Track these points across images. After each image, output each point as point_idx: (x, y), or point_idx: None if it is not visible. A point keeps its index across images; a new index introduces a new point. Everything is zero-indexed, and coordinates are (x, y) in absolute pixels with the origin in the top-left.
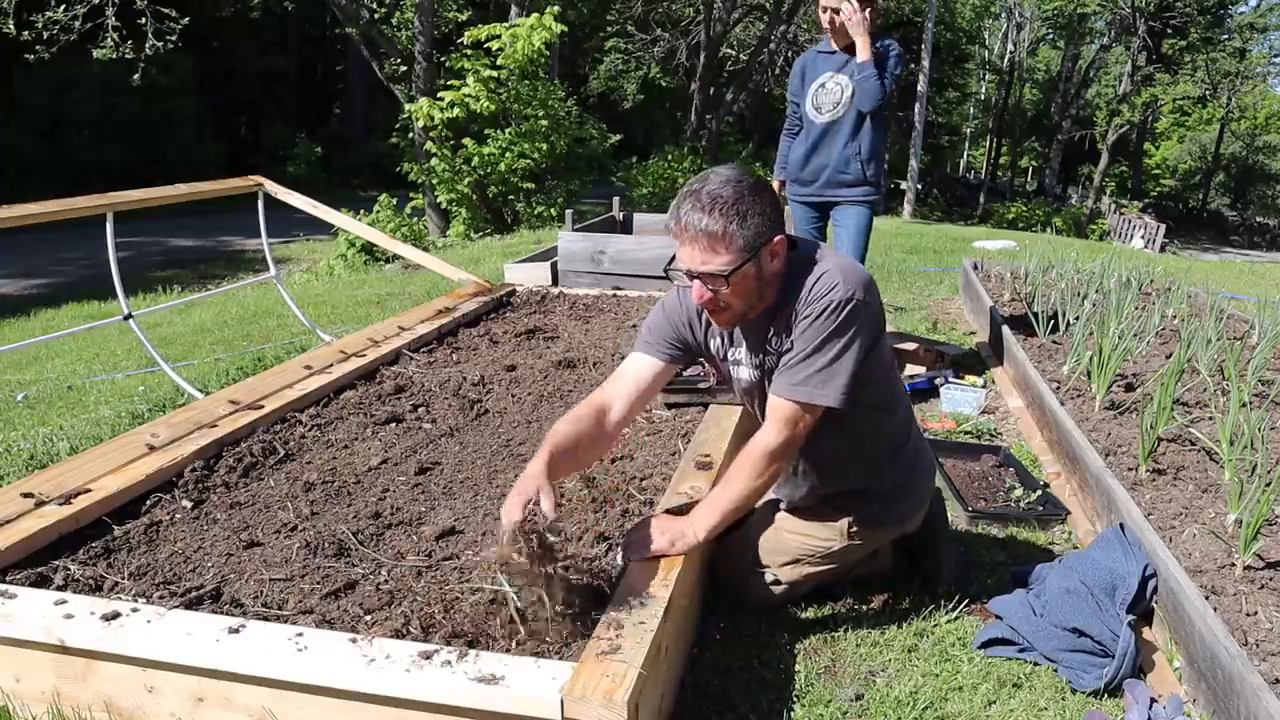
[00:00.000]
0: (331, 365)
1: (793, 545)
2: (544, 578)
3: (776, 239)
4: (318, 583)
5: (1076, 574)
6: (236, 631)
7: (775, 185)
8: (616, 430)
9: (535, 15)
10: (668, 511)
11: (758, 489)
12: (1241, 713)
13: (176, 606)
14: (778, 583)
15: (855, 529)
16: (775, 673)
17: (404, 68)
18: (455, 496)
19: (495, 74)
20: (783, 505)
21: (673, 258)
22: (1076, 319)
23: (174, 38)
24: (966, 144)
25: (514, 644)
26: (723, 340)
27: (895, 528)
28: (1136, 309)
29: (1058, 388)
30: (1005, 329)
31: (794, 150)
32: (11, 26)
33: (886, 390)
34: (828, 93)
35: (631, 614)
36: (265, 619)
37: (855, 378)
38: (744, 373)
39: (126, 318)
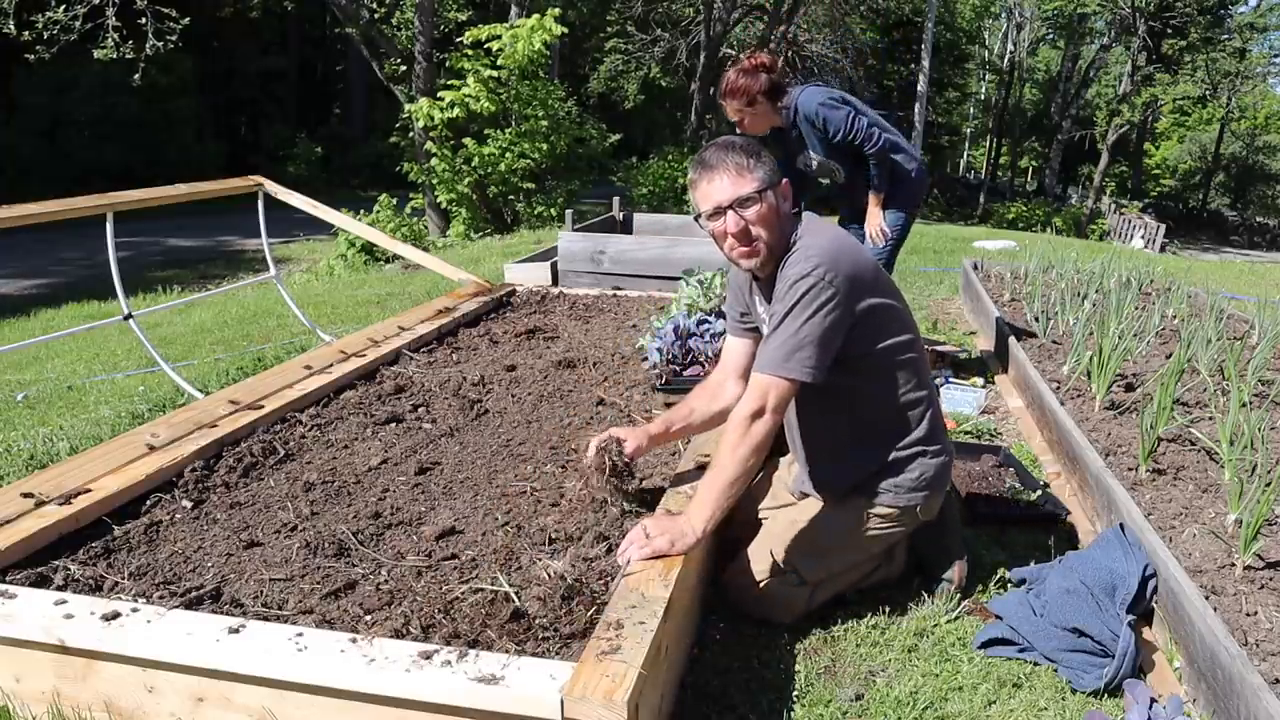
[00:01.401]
0: (331, 365)
1: (810, 536)
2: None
3: (784, 181)
4: (318, 583)
5: (1076, 574)
6: (236, 631)
7: None
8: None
9: (535, 16)
10: (666, 512)
11: (743, 466)
12: (1241, 713)
13: (176, 606)
14: (803, 584)
15: (868, 507)
16: (775, 673)
17: (404, 68)
18: (455, 496)
19: (495, 74)
20: (794, 496)
21: (698, 215)
22: (1076, 319)
23: (174, 38)
24: (966, 144)
25: (513, 644)
26: (759, 297)
27: (908, 514)
28: (1136, 309)
29: (1058, 388)
30: (1005, 329)
31: (839, 207)
32: (12, 26)
33: (888, 370)
34: (815, 170)
35: (631, 614)
36: (265, 619)
37: (824, 352)
38: (765, 330)
39: (126, 318)
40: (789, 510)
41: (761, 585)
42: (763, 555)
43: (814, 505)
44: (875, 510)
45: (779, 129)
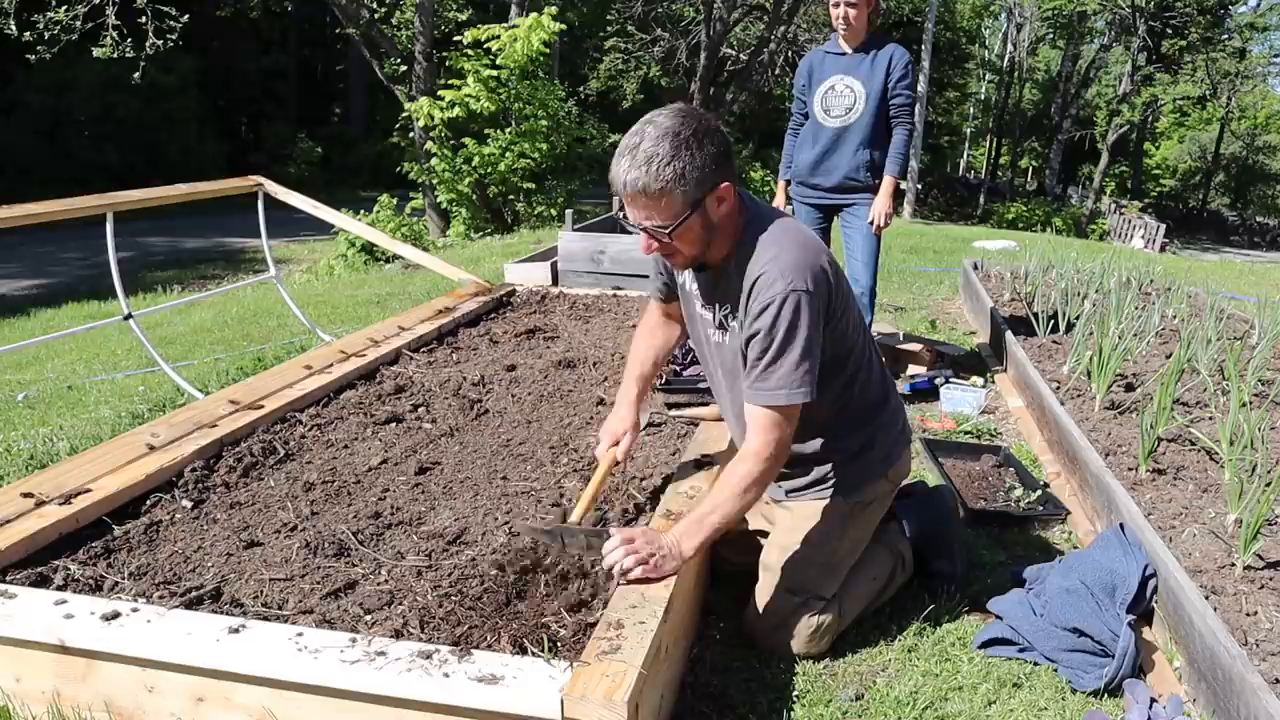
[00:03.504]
0: (331, 365)
1: (808, 552)
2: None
3: (722, 186)
4: (318, 583)
5: (1076, 574)
6: (236, 631)
7: (779, 186)
8: (682, 335)
9: (534, 15)
10: (667, 512)
11: (747, 502)
12: (1241, 713)
13: (176, 606)
14: (824, 602)
15: (848, 494)
16: (775, 673)
17: (404, 68)
18: (455, 496)
19: (495, 74)
20: (768, 501)
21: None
22: (1076, 319)
23: (174, 37)
24: (966, 144)
25: (512, 644)
26: (689, 274)
27: (886, 483)
28: (1136, 309)
29: (1058, 388)
30: (1005, 329)
31: (800, 152)
32: (13, 26)
33: (850, 360)
34: (838, 96)
35: (631, 614)
36: (265, 619)
37: (817, 363)
38: (696, 308)
39: (126, 318)
40: (773, 542)
41: (787, 624)
42: (774, 596)
43: (795, 521)
44: (857, 496)
45: (837, 48)
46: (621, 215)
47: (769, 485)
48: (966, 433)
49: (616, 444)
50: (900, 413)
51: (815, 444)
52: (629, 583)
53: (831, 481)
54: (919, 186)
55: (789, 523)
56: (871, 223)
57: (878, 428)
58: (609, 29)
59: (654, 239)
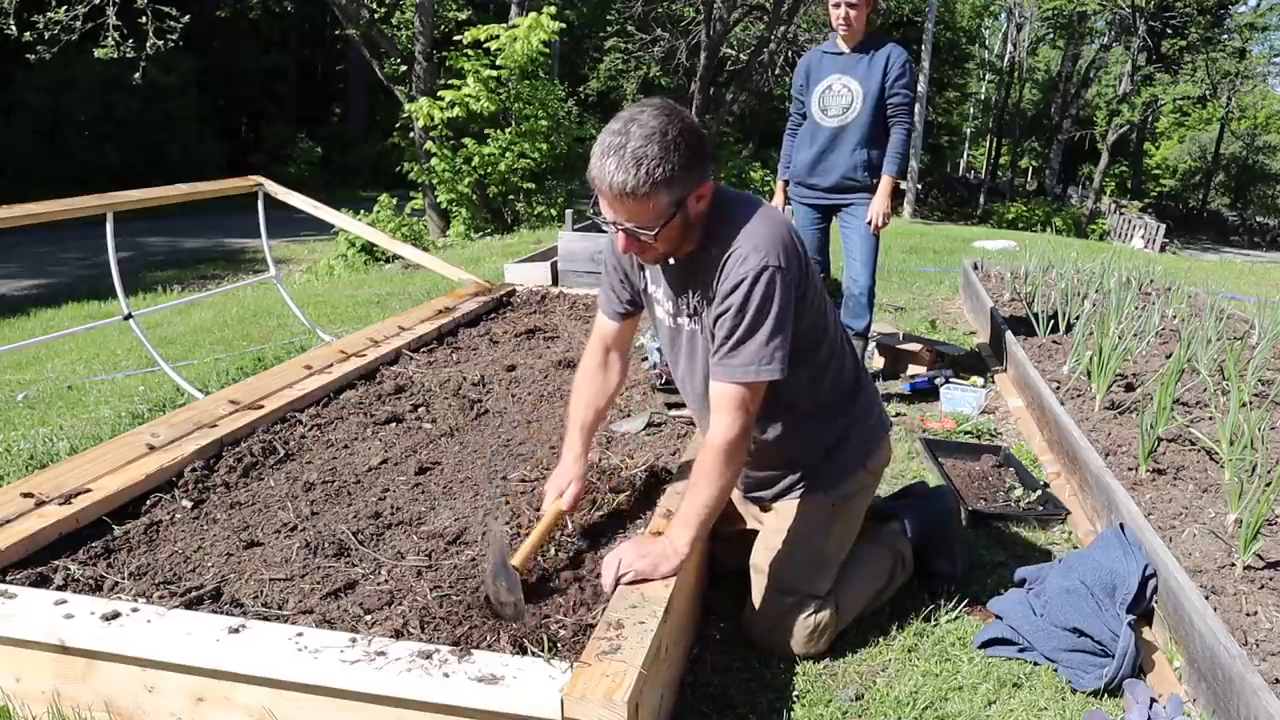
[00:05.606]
0: (331, 365)
1: (797, 553)
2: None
3: (703, 185)
4: (318, 583)
5: (1076, 574)
6: (236, 631)
7: (778, 186)
8: (623, 378)
9: (534, 15)
10: (667, 511)
11: (724, 487)
12: (1241, 713)
13: (176, 606)
14: (820, 600)
15: (830, 492)
16: (775, 673)
17: (404, 68)
18: (455, 496)
19: (495, 74)
20: (751, 503)
21: (598, 200)
22: (1076, 319)
23: (174, 37)
24: (966, 144)
25: (512, 644)
26: (647, 276)
27: (867, 475)
28: (1136, 309)
29: (1058, 388)
30: (1005, 329)
31: (798, 152)
32: (13, 27)
33: (821, 347)
34: (835, 96)
35: (632, 614)
36: (265, 619)
37: (788, 341)
38: (660, 312)
39: (126, 318)
40: (760, 543)
41: (783, 625)
42: (767, 597)
43: (780, 521)
44: (839, 491)
45: (835, 48)
46: (595, 212)
47: (741, 464)
48: (966, 433)
49: (561, 496)
50: (875, 402)
51: (792, 440)
52: (630, 584)
53: (812, 478)
54: (919, 186)
55: (774, 523)
56: (870, 222)
57: (853, 420)
58: (609, 29)
59: (632, 239)
